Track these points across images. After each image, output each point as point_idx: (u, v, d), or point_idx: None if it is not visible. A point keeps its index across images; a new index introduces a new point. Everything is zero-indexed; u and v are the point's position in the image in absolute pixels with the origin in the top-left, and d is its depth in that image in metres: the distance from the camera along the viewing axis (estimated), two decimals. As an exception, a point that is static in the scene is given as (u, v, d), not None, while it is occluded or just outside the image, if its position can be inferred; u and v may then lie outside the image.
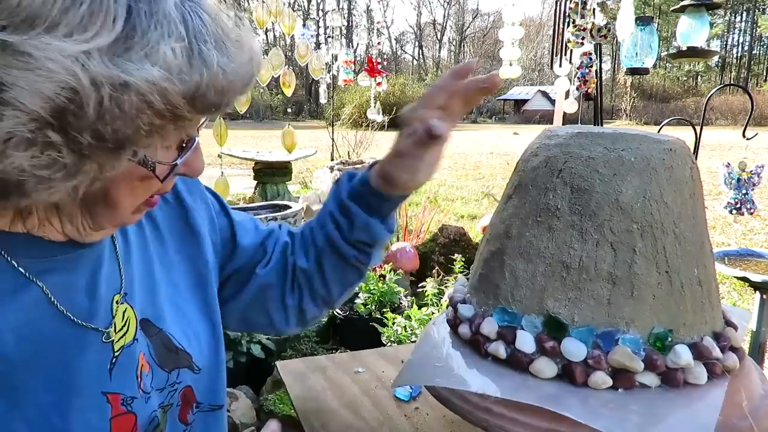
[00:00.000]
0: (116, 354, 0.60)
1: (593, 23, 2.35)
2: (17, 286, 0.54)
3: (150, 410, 0.62)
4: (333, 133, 7.40)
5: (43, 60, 0.39)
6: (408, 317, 2.66)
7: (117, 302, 0.62)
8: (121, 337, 0.61)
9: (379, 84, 5.70)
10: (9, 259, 0.54)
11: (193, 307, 0.74)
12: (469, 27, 49.22)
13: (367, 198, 0.72)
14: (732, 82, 28.88)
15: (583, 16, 2.40)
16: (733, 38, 42.71)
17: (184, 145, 0.53)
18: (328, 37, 5.86)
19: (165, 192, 0.60)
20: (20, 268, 0.54)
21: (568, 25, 2.53)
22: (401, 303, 3.01)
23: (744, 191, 2.17)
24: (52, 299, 0.56)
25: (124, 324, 0.62)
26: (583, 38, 2.40)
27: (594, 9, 2.35)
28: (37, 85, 0.40)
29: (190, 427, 0.70)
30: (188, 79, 0.45)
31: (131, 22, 0.42)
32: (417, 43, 52.70)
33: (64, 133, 0.42)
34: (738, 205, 2.19)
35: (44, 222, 0.56)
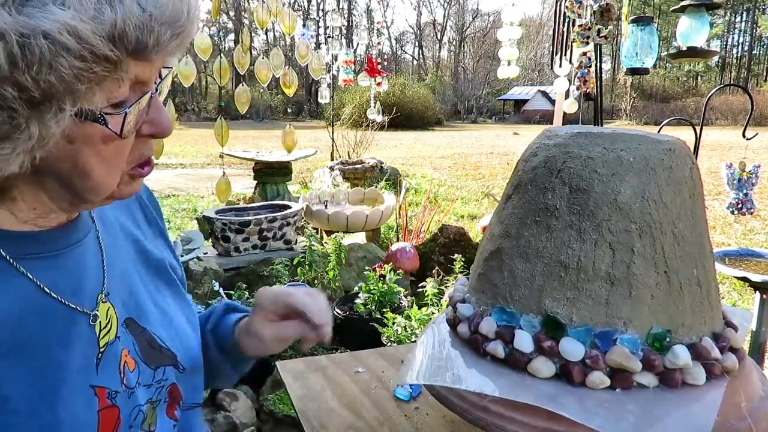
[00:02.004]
0: (101, 350, 0.62)
1: (593, 23, 2.35)
2: (2, 274, 0.55)
3: (133, 405, 0.64)
4: (333, 133, 7.40)
5: None
6: (408, 317, 2.65)
7: (101, 301, 0.63)
8: (105, 334, 0.63)
9: (379, 84, 5.71)
10: None
11: (174, 308, 0.76)
12: (469, 27, 49.18)
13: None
14: (732, 82, 28.87)
15: (579, 15, 2.40)
16: (733, 38, 42.75)
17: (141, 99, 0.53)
18: (328, 37, 5.86)
19: (146, 157, 0.60)
20: (8, 257, 0.55)
21: (569, 26, 2.53)
22: (401, 303, 3.01)
23: (744, 191, 2.18)
24: (40, 285, 0.57)
25: (108, 322, 0.64)
26: (587, 37, 2.40)
27: (594, 11, 2.35)
28: None
29: (178, 423, 0.73)
30: (101, 16, 0.45)
31: None
32: (417, 43, 52.67)
33: None
34: (739, 205, 2.19)
35: (33, 206, 0.57)
